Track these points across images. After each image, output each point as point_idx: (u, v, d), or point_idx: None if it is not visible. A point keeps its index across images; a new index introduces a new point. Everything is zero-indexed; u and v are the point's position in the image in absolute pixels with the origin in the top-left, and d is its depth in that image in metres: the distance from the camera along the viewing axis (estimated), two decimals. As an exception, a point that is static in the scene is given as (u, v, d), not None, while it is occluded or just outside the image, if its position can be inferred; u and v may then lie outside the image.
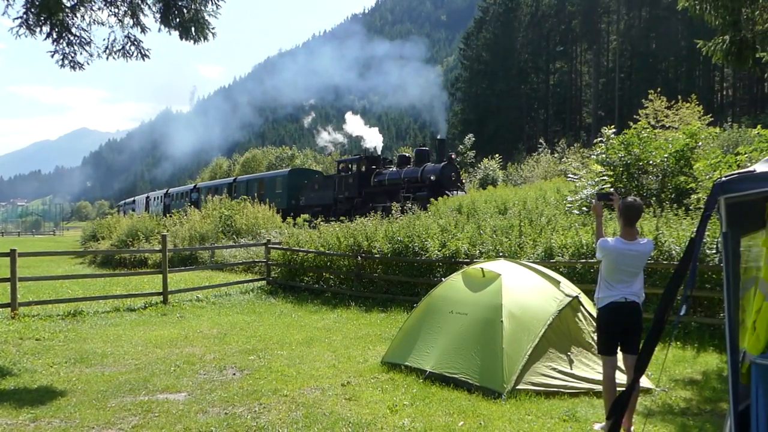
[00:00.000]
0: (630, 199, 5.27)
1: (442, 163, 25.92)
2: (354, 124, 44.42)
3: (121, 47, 9.14)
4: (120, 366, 7.76)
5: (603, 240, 5.23)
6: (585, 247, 10.00)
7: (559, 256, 10.32)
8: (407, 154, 30.00)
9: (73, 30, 8.75)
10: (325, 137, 75.40)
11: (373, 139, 39.31)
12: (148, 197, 57.67)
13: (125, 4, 8.85)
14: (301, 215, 25.40)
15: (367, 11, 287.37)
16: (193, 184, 52.07)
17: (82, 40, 8.81)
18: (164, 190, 55.23)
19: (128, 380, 7.04)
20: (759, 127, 12.52)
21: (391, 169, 28.68)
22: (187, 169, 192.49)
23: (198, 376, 7.27)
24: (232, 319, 11.11)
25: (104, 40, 8.97)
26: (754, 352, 3.62)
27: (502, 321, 6.32)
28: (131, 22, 8.98)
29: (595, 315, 6.72)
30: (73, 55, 8.84)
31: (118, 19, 8.94)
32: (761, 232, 3.72)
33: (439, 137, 31.30)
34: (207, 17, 9.04)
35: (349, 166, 30.94)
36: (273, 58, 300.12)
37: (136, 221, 27.47)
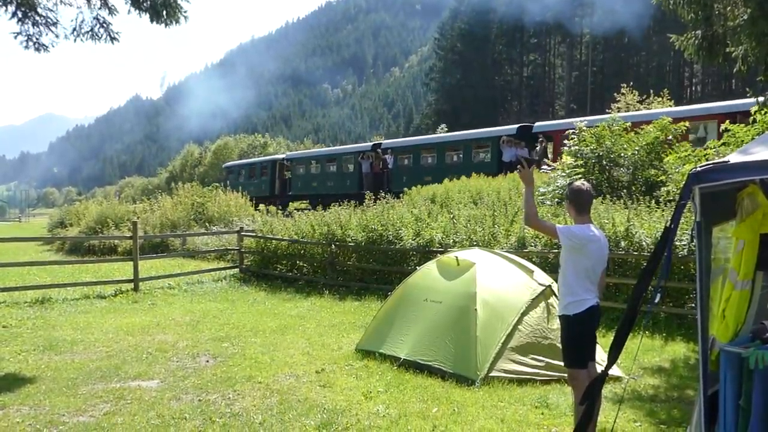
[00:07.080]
0: (578, 183, 4.69)
1: None
2: None
3: (89, 29, 8.95)
4: (90, 353, 7.66)
5: (568, 228, 4.58)
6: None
7: (531, 246, 10.41)
8: None
9: (39, 10, 8.55)
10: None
11: None
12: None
13: (94, -16, 8.67)
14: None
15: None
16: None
17: (48, 20, 8.62)
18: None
19: (99, 367, 6.96)
20: (727, 122, 12.69)
21: None
22: (157, 156, 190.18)
23: (171, 363, 7.22)
24: (204, 307, 11.03)
25: (72, 21, 8.80)
26: (723, 340, 3.72)
27: (476, 309, 6.37)
28: (99, 2, 8.81)
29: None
30: (38, 36, 8.64)
31: (87, 0, 8.76)
32: (731, 222, 3.80)
33: None
34: (179, 1, 8.90)
35: None
36: (245, 45, 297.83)
37: (106, 208, 27.07)
